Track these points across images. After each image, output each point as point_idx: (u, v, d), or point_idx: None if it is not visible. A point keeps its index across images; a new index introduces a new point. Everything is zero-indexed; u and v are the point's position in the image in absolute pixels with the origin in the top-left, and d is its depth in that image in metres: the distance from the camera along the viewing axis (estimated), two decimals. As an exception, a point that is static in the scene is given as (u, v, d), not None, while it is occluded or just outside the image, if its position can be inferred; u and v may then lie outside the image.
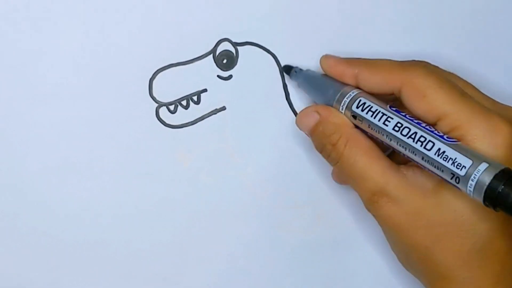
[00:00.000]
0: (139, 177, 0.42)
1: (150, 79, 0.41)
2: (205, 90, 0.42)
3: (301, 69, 0.42)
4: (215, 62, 0.42)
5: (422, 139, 0.35)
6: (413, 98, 0.36)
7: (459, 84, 0.37)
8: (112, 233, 0.42)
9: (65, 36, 0.40)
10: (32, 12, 0.40)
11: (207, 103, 0.42)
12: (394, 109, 0.36)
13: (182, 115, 0.42)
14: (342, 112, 0.38)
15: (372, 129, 0.37)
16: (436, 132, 0.35)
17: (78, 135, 0.41)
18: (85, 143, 0.41)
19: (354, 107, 0.37)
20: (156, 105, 0.42)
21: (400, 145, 0.35)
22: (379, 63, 0.38)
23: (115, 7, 0.41)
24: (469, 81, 0.44)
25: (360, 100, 0.37)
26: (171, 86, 0.42)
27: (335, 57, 0.40)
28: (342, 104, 0.38)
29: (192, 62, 0.42)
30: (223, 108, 0.42)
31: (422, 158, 0.34)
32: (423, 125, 0.35)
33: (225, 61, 0.42)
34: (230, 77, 0.42)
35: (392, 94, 0.37)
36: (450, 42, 0.44)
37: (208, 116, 0.42)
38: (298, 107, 0.43)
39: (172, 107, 0.42)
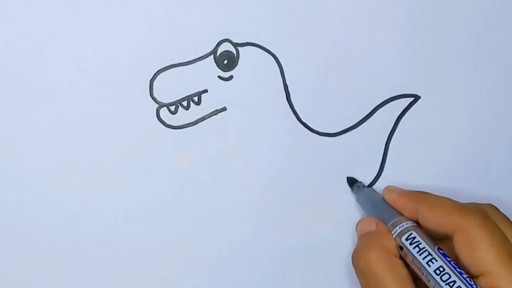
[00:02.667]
0: (139, 177, 0.42)
1: (151, 79, 0.41)
2: (205, 91, 0.42)
3: (364, 185, 0.43)
4: (215, 62, 0.42)
5: None
6: (463, 247, 0.36)
7: None
8: (112, 233, 0.42)
9: (66, 36, 0.40)
10: (32, 12, 0.40)
11: (207, 104, 0.42)
12: (441, 252, 0.37)
13: (182, 116, 0.42)
14: (394, 236, 0.39)
15: (414, 264, 0.37)
16: (475, 286, 0.35)
17: (79, 135, 0.41)
18: (86, 143, 0.41)
19: (403, 239, 0.38)
20: (157, 105, 0.42)
21: None
22: (439, 202, 0.38)
23: (116, 7, 0.40)
24: (469, 81, 0.44)
25: (411, 234, 0.38)
26: (171, 87, 0.42)
27: (397, 190, 0.41)
28: (393, 232, 0.39)
29: (192, 63, 0.42)
30: (224, 109, 0.42)
31: None
32: (465, 276, 0.36)
33: (225, 61, 0.42)
34: (230, 77, 0.42)
35: (447, 235, 0.37)
36: (450, 42, 0.44)
37: (209, 117, 0.42)
38: (299, 108, 0.43)
39: (172, 108, 0.42)
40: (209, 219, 0.43)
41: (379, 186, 0.44)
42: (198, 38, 0.42)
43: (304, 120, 0.43)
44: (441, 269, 0.36)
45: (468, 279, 0.35)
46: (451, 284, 0.35)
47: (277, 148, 0.43)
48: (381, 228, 0.40)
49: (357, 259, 0.39)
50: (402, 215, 0.40)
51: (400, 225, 0.39)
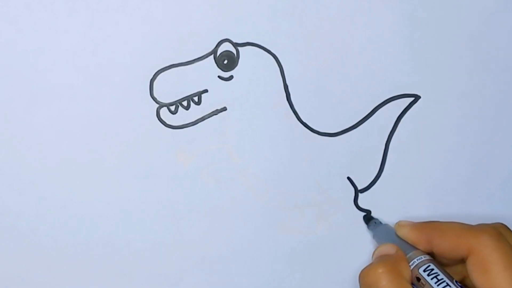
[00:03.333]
0: (139, 177, 0.42)
1: (151, 79, 0.41)
2: (206, 91, 0.42)
3: (380, 222, 0.43)
4: (215, 62, 0.42)
5: None
6: (476, 268, 0.36)
7: None
8: (112, 233, 0.42)
9: (66, 36, 0.40)
10: (32, 12, 0.40)
11: (207, 104, 0.42)
12: (459, 284, 0.37)
13: (182, 116, 0.42)
14: (411, 267, 0.38)
15: None
16: None
17: (79, 135, 0.41)
18: (86, 143, 0.41)
19: (421, 270, 0.38)
20: (157, 105, 0.42)
21: None
22: (451, 227, 0.38)
23: (116, 7, 0.40)
24: (469, 81, 0.44)
25: (429, 266, 0.38)
26: (172, 87, 0.42)
27: (409, 224, 0.41)
28: (410, 263, 0.39)
29: (193, 63, 0.42)
30: (224, 109, 0.42)
31: None
32: None
33: (225, 61, 0.42)
34: (231, 77, 0.42)
35: (463, 260, 0.37)
36: (451, 42, 0.44)
37: (209, 117, 0.42)
38: (299, 108, 0.43)
39: (173, 108, 0.42)
40: (209, 219, 0.43)
41: (379, 185, 0.44)
42: (198, 38, 0.42)
43: (304, 120, 0.43)
44: None
45: None
46: None
47: (277, 148, 0.43)
48: (400, 254, 0.39)
49: (367, 273, 0.38)
50: (418, 249, 0.40)
51: (417, 257, 0.39)
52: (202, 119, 0.42)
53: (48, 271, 0.42)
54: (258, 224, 0.43)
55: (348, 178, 0.44)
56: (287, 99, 0.43)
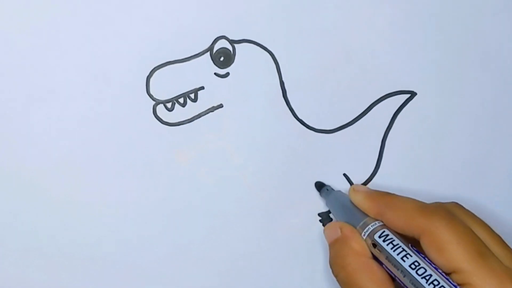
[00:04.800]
0: (136, 174, 0.42)
1: (147, 76, 0.41)
2: (202, 88, 0.42)
3: (332, 189, 0.43)
4: (212, 59, 0.42)
5: (435, 282, 0.35)
6: (431, 249, 0.36)
7: (483, 235, 0.37)
8: (109, 231, 0.42)
9: (63, 34, 0.40)
10: (30, 11, 0.40)
11: (204, 101, 0.42)
12: (415, 249, 0.37)
13: (179, 113, 0.42)
14: (364, 235, 0.38)
15: (389, 261, 0.37)
16: (450, 281, 0.35)
17: (75, 133, 0.41)
18: (82, 141, 0.41)
19: (376, 236, 0.38)
20: (153, 102, 0.42)
21: (412, 283, 0.36)
22: (403, 204, 0.38)
23: (113, 5, 0.41)
24: (465, 77, 0.44)
25: (384, 231, 0.38)
26: (168, 84, 0.42)
27: (362, 191, 0.40)
28: (365, 230, 0.38)
29: (189, 60, 0.42)
30: (220, 106, 0.42)
31: None
32: (440, 270, 0.36)
33: (222, 58, 0.42)
34: (227, 74, 0.42)
35: (414, 238, 0.37)
36: (447, 38, 0.44)
37: (205, 114, 0.42)
38: (295, 105, 0.43)
39: (169, 105, 0.42)
40: (206, 216, 0.43)
41: (375, 182, 0.44)
42: (195, 35, 0.42)
43: (300, 117, 0.43)
44: (416, 263, 0.36)
45: (443, 274, 0.35)
46: (427, 278, 0.35)
47: (273, 145, 0.43)
48: (346, 232, 0.39)
49: (337, 271, 0.39)
50: (369, 216, 0.39)
51: (372, 224, 0.38)
52: (199, 116, 0.42)
53: (46, 270, 0.42)
54: (255, 222, 0.43)
55: (345, 175, 0.44)
56: (283, 96, 0.43)
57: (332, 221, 0.41)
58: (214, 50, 0.42)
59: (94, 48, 0.41)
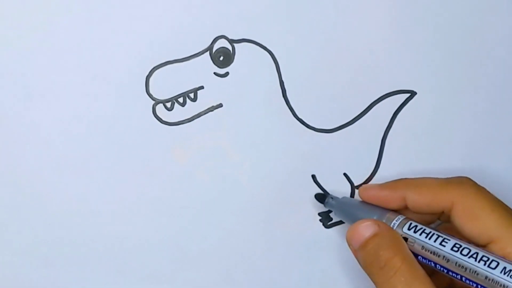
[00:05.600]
0: (135, 174, 0.42)
1: (147, 76, 0.41)
2: (201, 87, 0.42)
3: (336, 196, 0.42)
4: (211, 59, 0.42)
5: (485, 258, 0.34)
6: (465, 218, 0.35)
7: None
8: (108, 231, 0.42)
9: (62, 34, 0.40)
10: (29, 11, 0.40)
11: (203, 100, 0.42)
12: (443, 232, 0.36)
13: (178, 112, 0.42)
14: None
15: (426, 250, 0.36)
16: (494, 255, 0.34)
17: (75, 132, 0.41)
18: (81, 140, 0.41)
19: (405, 229, 0.37)
20: (153, 102, 0.41)
21: (459, 265, 0.34)
22: (426, 182, 0.38)
23: (112, 4, 0.40)
24: (464, 76, 0.44)
25: (411, 223, 0.37)
26: (167, 83, 0.41)
27: (374, 185, 0.40)
28: (390, 225, 0.37)
29: (188, 59, 0.42)
30: (220, 105, 0.42)
31: (486, 278, 0.33)
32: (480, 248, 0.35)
33: (221, 58, 0.42)
34: (226, 74, 0.42)
35: (441, 213, 0.37)
36: (447, 37, 0.44)
37: (205, 113, 0.42)
38: (295, 104, 0.43)
39: (168, 104, 0.42)
40: (205, 215, 0.43)
41: (375, 181, 0.44)
42: (194, 35, 0.42)
43: (300, 116, 0.43)
44: (457, 245, 0.35)
45: (485, 250, 0.34)
46: (474, 256, 0.34)
47: (273, 145, 0.43)
48: (383, 226, 0.37)
49: (378, 270, 0.35)
50: (389, 211, 0.38)
51: (396, 218, 0.38)
52: (198, 115, 0.42)
53: (44, 269, 0.42)
54: (254, 221, 0.43)
55: (345, 174, 0.44)
56: (283, 96, 0.43)
57: (360, 220, 0.38)
58: (214, 50, 0.42)
59: (93, 48, 0.41)
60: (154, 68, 0.41)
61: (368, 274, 0.37)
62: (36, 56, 0.40)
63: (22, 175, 0.41)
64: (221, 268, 0.43)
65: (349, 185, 0.44)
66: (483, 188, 0.37)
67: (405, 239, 0.37)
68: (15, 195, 0.41)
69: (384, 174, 0.44)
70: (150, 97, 0.41)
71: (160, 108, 0.42)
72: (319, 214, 0.43)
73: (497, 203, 0.36)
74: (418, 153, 0.44)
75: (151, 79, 0.41)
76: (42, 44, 0.40)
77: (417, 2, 0.44)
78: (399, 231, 0.37)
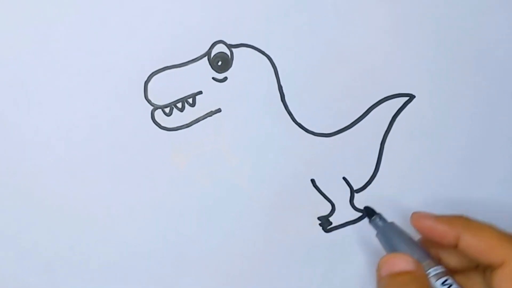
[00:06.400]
0: (135, 179, 0.42)
1: (145, 82, 0.41)
2: (200, 93, 0.42)
3: (385, 219, 0.40)
4: (210, 64, 0.42)
5: None
6: (509, 282, 0.34)
7: None
8: (108, 235, 0.42)
9: (61, 40, 0.40)
10: (28, 14, 0.40)
11: (202, 106, 0.42)
12: None
13: (177, 118, 0.42)
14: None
15: None
16: None
17: (74, 137, 0.41)
18: (80, 146, 0.41)
19: (439, 283, 0.36)
20: (152, 107, 0.42)
21: None
22: (485, 230, 0.36)
23: (110, 11, 0.41)
24: (463, 80, 0.44)
25: (447, 279, 0.36)
26: (166, 89, 0.42)
27: (430, 215, 0.37)
28: (427, 272, 0.36)
29: (187, 65, 0.42)
30: (219, 110, 0.42)
31: None
32: None
33: (220, 63, 0.42)
34: (225, 79, 0.42)
35: (488, 265, 0.35)
36: (445, 41, 0.44)
37: (204, 118, 0.42)
38: (294, 109, 0.43)
39: (167, 110, 0.42)
40: (205, 220, 0.43)
41: (375, 185, 0.44)
42: (192, 40, 0.42)
43: (299, 121, 0.43)
44: None
45: None
46: None
47: (272, 149, 0.43)
48: (421, 271, 0.35)
49: None
50: (431, 258, 0.37)
51: (434, 268, 0.36)
52: (197, 120, 0.42)
53: (43, 271, 0.42)
54: (254, 225, 0.43)
55: (344, 178, 0.44)
56: (282, 100, 0.43)
57: (401, 253, 0.37)
58: (212, 55, 0.42)
59: (92, 54, 0.41)
60: (152, 73, 0.41)
61: None
62: (36, 61, 0.40)
63: (22, 180, 0.41)
64: (221, 272, 0.43)
65: (348, 189, 0.44)
66: None
67: None
68: (15, 200, 0.41)
69: (384, 178, 0.44)
70: (149, 102, 0.41)
71: (158, 114, 0.42)
72: (318, 218, 0.43)
73: None
74: (417, 156, 0.44)
75: (150, 85, 0.41)
76: (42, 50, 0.40)
77: (416, 6, 0.44)
78: (432, 280, 0.36)
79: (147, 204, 0.42)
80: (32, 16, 0.40)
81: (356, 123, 0.44)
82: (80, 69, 0.41)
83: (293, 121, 0.43)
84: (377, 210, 0.42)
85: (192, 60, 0.42)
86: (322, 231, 0.44)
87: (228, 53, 0.42)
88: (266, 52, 0.42)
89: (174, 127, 0.42)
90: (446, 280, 0.36)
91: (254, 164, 0.43)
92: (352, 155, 0.44)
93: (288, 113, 0.43)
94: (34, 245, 0.41)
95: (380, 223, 0.40)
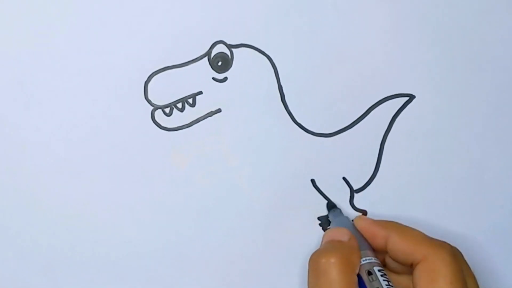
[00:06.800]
0: (135, 180, 0.42)
1: (145, 82, 0.41)
2: (200, 93, 0.42)
3: (341, 213, 0.43)
4: (210, 64, 0.42)
5: None
6: (424, 276, 0.36)
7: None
8: (107, 235, 0.42)
9: (61, 40, 0.40)
10: (28, 15, 0.40)
11: (202, 106, 0.42)
12: None
13: (177, 118, 0.42)
14: (361, 263, 0.38)
15: None
16: None
17: (74, 138, 0.41)
18: (81, 146, 0.41)
19: (376, 268, 0.38)
20: (152, 108, 0.42)
21: None
22: (410, 231, 0.39)
23: (110, 11, 0.41)
24: (463, 80, 0.44)
25: (383, 269, 0.38)
26: (166, 89, 0.42)
27: (368, 219, 0.41)
28: (368, 257, 0.39)
29: (187, 65, 0.42)
30: (219, 111, 0.42)
31: None
32: None
33: (220, 63, 0.42)
34: (225, 79, 0.42)
35: (410, 266, 0.38)
36: (445, 41, 0.44)
37: (204, 119, 0.42)
38: (294, 109, 0.43)
39: (167, 110, 0.42)
40: (205, 221, 0.43)
41: (374, 185, 0.44)
42: (192, 40, 0.42)
43: (299, 121, 0.43)
44: None
45: None
46: None
47: (273, 149, 0.43)
48: (353, 242, 0.39)
49: (318, 258, 0.38)
50: (371, 249, 0.40)
51: (375, 258, 0.39)
52: (197, 121, 0.42)
53: (43, 272, 0.42)
54: (254, 225, 0.43)
55: (344, 179, 0.44)
56: (282, 100, 0.43)
57: (343, 228, 0.41)
58: (212, 55, 0.42)
59: (91, 54, 0.41)
60: (152, 73, 0.41)
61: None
62: (36, 61, 0.40)
63: (22, 180, 0.41)
64: (221, 272, 0.43)
65: (348, 189, 0.44)
66: (460, 260, 0.38)
67: (369, 273, 0.38)
68: (15, 200, 0.41)
69: (383, 178, 0.44)
70: (149, 102, 0.41)
71: (158, 114, 0.42)
72: (318, 218, 0.44)
73: (460, 279, 0.36)
74: (417, 156, 0.44)
75: (150, 85, 0.41)
76: (42, 50, 0.40)
77: (416, 6, 0.44)
78: (368, 265, 0.38)
79: (147, 204, 0.42)
80: (32, 16, 0.40)
81: (356, 123, 0.44)
82: (80, 69, 0.41)
83: (293, 121, 0.43)
84: (377, 210, 0.43)
85: (192, 60, 0.42)
86: (322, 231, 0.44)
87: (228, 53, 0.42)
88: (266, 52, 0.42)
89: (174, 127, 0.42)
90: (382, 269, 0.38)
91: (254, 164, 0.43)
92: (352, 155, 0.44)
93: (288, 113, 0.43)
94: (34, 245, 0.41)
95: (335, 214, 0.43)
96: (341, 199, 0.44)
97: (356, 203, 0.44)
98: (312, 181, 0.43)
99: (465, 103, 0.44)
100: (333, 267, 0.37)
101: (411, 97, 0.44)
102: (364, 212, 0.44)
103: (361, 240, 0.40)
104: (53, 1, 0.40)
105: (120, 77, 0.41)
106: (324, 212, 0.44)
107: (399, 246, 0.38)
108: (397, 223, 0.40)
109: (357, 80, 0.43)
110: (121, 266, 0.42)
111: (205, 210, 0.43)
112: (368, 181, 0.44)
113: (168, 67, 0.41)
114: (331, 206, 0.43)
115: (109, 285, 0.42)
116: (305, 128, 0.43)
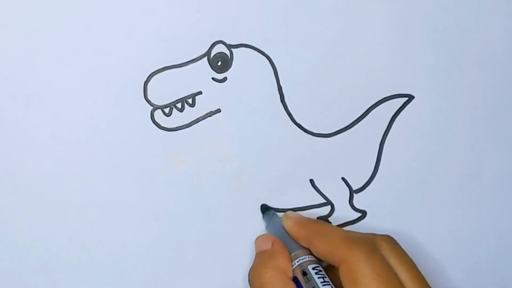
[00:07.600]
0: (134, 180, 0.42)
1: (145, 82, 0.41)
2: (200, 93, 0.42)
3: (275, 214, 0.43)
4: (209, 64, 0.42)
5: None
6: (346, 279, 0.36)
7: (404, 275, 0.37)
8: (107, 236, 0.42)
9: (61, 40, 0.40)
10: (28, 17, 0.40)
11: (202, 106, 0.42)
12: None
13: (177, 118, 0.42)
14: (295, 265, 0.39)
15: None
16: None
17: (73, 138, 0.41)
18: (80, 146, 0.41)
19: (310, 267, 0.38)
20: (151, 108, 0.42)
21: None
22: (329, 232, 0.39)
23: (110, 11, 0.40)
24: (462, 80, 0.44)
25: (318, 266, 0.38)
26: (166, 89, 0.42)
27: (294, 217, 0.41)
28: (300, 258, 0.39)
29: (186, 65, 0.42)
30: (218, 111, 0.42)
31: None
32: None
33: (219, 63, 0.42)
34: (224, 79, 0.42)
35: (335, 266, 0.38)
36: (444, 41, 0.44)
37: (203, 119, 0.42)
38: (293, 109, 0.43)
39: (167, 110, 0.42)
40: (204, 220, 0.43)
41: (374, 186, 0.44)
42: (192, 40, 0.42)
43: (298, 121, 0.43)
44: None
45: None
46: None
47: (272, 149, 0.43)
48: (276, 247, 0.40)
49: (253, 278, 0.39)
50: (302, 248, 0.40)
51: (309, 256, 0.39)
52: (197, 121, 0.42)
53: (43, 273, 0.42)
54: (253, 225, 0.43)
55: (343, 179, 0.44)
56: (281, 100, 0.43)
57: (266, 234, 0.42)
58: (212, 55, 0.42)
59: (91, 54, 0.41)
60: (152, 73, 0.41)
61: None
62: (35, 61, 0.40)
63: (21, 181, 0.41)
64: (221, 273, 0.43)
65: (347, 189, 0.44)
66: (379, 254, 0.38)
67: (304, 273, 0.38)
68: (14, 200, 0.41)
69: (383, 178, 0.44)
70: (148, 102, 0.41)
71: (158, 114, 0.42)
72: (317, 218, 0.44)
73: (382, 272, 0.36)
74: (416, 157, 0.44)
75: (149, 85, 0.41)
76: (42, 50, 0.40)
77: (416, 6, 0.44)
78: (302, 265, 0.38)
79: (146, 204, 0.42)
80: (32, 16, 0.40)
81: (356, 124, 0.44)
82: (80, 69, 0.41)
83: (293, 121, 0.43)
84: (377, 210, 0.43)
85: (192, 60, 0.42)
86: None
87: (228, 53, 0.42)
88: (266, 52, 0.42)
89: (174, 127, 0.42)
90: (317, 266, 0.38)
91: (253, 164, 0.43)
92: (351, 156, 0.44)
93: (287, 113, 0.43)
94: (34, 245, 0.41)
95: (269, 217, 0.42)
96: (340, 199, 0.44)
97: (356, 203, 0.44)
98: (311, 181, 0.43)
99: (464, 103, 0.44)
100: (265, 285, 0.38)
101: (411, 98, 0.44)
102: (364, 213, 0.44)
103: (291, 241, 0.40)
104: (53, 1, 0.40)
105: (119, 77, 0.41)
106: (323, 212, 0.44)
107: (319, 249, 0.39)
108: (318, 222, 0.41)
109: (356, 80, 0.43)
110: (121, 266, 0.42)
111: (205, 210, 0.43)
112: (368, 181, 0.44)
113: (167, 67, 0.41)
114: (264, 208, 0.43)
115: (109, 285, 0.42)
116: (305, 128, 0.43)
